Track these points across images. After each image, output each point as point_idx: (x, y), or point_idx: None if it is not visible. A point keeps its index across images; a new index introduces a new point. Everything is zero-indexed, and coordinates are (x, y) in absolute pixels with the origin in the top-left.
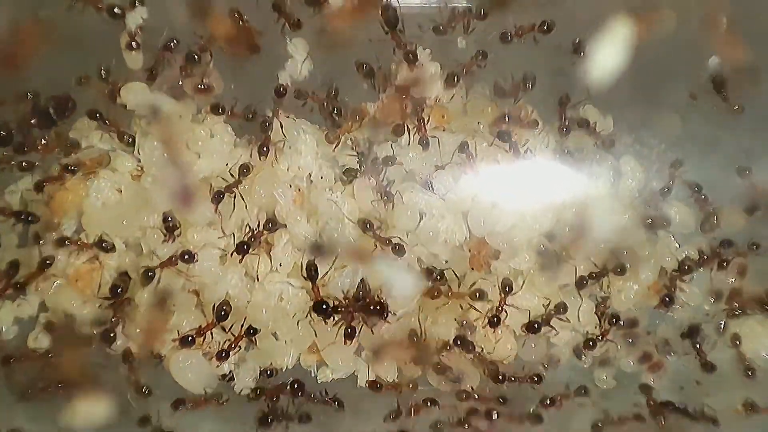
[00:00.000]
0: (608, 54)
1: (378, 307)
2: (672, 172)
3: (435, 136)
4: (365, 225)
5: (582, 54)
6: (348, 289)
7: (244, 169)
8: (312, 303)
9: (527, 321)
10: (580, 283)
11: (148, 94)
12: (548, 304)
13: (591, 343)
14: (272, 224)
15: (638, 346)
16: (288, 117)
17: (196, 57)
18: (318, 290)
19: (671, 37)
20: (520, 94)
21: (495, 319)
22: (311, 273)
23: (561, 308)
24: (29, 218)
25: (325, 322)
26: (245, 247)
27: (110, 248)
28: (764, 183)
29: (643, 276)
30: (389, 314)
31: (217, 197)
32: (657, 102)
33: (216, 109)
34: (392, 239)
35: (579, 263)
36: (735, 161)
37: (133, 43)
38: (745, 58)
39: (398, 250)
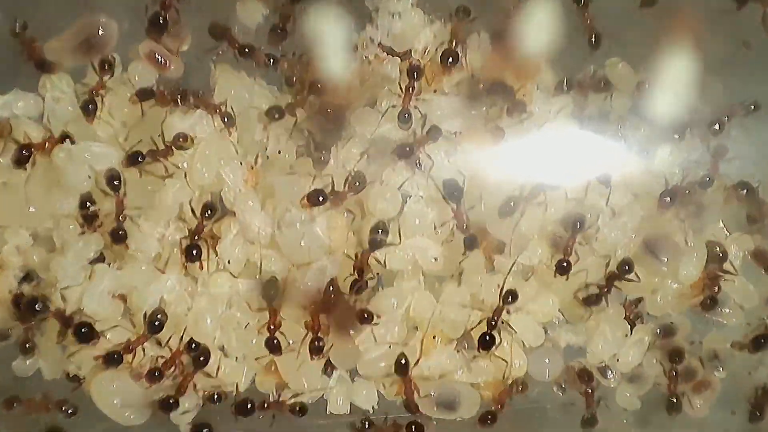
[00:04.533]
0: None
1: (365, 316)
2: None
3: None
4: None
5: None
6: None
7: (179, 138)
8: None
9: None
10: (590, 300)
11: None
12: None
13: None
14: (212, 210)
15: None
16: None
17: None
18: (276, 314)
19: None
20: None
21: (487, 337)
22: (269, 292)
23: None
24: None
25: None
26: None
27: None
28: None
29: (683, 272)
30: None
31: (132, 159)
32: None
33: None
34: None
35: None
36: None
37: None
38: None
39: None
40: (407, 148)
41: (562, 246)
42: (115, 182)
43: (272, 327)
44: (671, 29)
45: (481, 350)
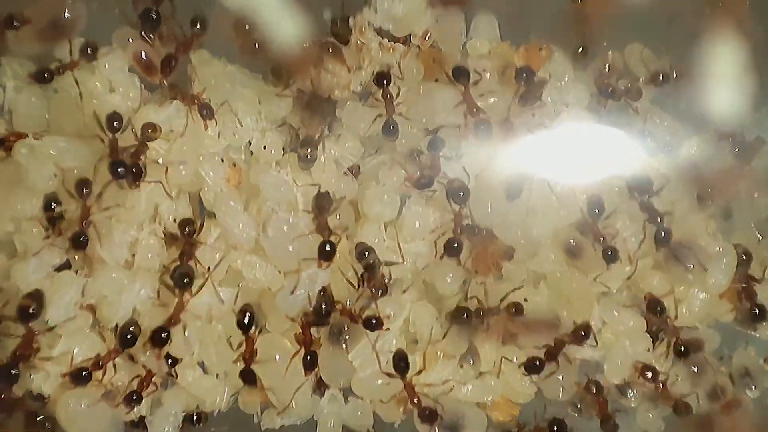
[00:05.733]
0: None
1: (373, 322)
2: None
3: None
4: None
5: None
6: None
7: (148, 129)
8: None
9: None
10: (533, 367)
11: None
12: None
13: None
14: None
15: (706, 378)
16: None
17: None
18: (253, 343)
19: None
20: None
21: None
22: (244, 323)
23: (583, 330)
24: None
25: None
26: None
27: None
28: None
29: (712, 280)
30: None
31: (114, 172)
32: None
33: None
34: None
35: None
36: None
37: None
38: None
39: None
40: (425, 180)
41: (593, 235)
42: (84, 189)
43: (248, 357)
44: (701, 10)
45: None
